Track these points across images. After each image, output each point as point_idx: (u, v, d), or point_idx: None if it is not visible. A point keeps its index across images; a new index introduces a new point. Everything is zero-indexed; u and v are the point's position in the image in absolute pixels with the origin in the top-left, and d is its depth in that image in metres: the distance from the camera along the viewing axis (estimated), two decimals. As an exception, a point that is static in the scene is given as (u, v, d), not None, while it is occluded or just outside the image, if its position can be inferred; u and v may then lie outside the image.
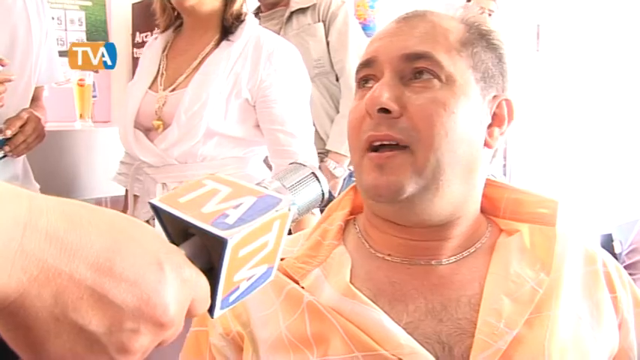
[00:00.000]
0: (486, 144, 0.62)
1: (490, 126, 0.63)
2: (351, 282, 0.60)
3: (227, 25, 1.24)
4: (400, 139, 0.58)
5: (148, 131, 1.26)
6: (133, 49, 2.49)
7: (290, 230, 0.43)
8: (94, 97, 2.43)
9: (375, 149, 0.59)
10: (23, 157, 1.42)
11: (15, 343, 0.29)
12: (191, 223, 0.33)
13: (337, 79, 1.75)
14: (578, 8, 3.31)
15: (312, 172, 0.42)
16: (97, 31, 2.46)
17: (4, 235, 0.26)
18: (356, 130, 0.61)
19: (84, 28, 2.44)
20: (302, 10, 1.76)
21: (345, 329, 0.56)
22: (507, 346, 0.55)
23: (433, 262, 0.62)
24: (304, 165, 0.43)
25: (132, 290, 0.29)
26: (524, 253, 0.62)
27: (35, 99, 1.45)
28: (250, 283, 0.36)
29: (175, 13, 1.30)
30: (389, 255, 0.63)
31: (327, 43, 1.73)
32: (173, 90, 1.24)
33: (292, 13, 1.76)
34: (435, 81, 0.59)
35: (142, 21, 2.41)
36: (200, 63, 1.23)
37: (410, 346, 0.54)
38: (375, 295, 0.59)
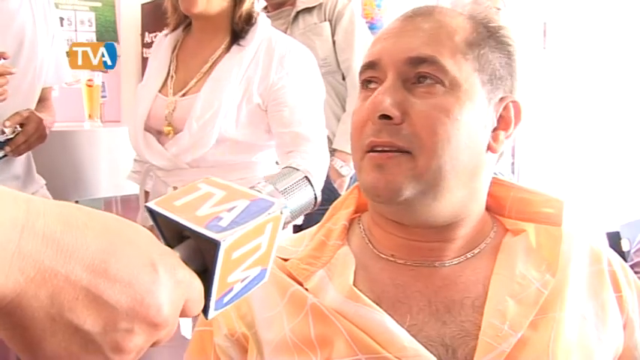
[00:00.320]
0: (490, 148, 0.61)
1: (495, 129, 0.62)
2: (355, 283, 0.60)
3: (237, 30, 1.23)
4: (401, 146, 0.57)
5: (159, 134, 1.27)
6: (142, 49, 2.51)
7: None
8: (104, 97, 2.45)
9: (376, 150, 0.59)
10: (26, 155, 1.43)
11: (12, 342, 0.30)
12: (185, 226, 0.34)
13: (344, 78, 1.75)
14: (584, 5, 3.29)
15: (305, 177, 0.43)
16: (107, 31, 2.48)
17: (2, 237, 0.27)
18: (358, 132, 0.61)
19: (94, 28, 2.46)
20: (308, 10, 1.76)
21: (348, 332, 0.56)
22: (511, 348, 0.54)
23: (437, 264, 0.61)
24: (297, 169, 0.43)
25: (126, 291, 0.30)
26: (529, 253, 0.62)
27: (43, 99, 1.47)
28: (244, 285, 0.37)
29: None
30: (392, 255, 0.63)
31: (334, 42, 1.73)
32: (184, 95, 1.24)
33: (298, 12, 1.76)
34: (439, 86, 0.58)
35: (152, 21, 2.43)
36: (211, 67, 1.23)
37: (414, 348, 0.54)
38: (378, 297, 0.59)
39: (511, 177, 2.81)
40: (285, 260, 0.64)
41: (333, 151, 1.72)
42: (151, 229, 0.36)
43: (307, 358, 0.57)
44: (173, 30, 1.31)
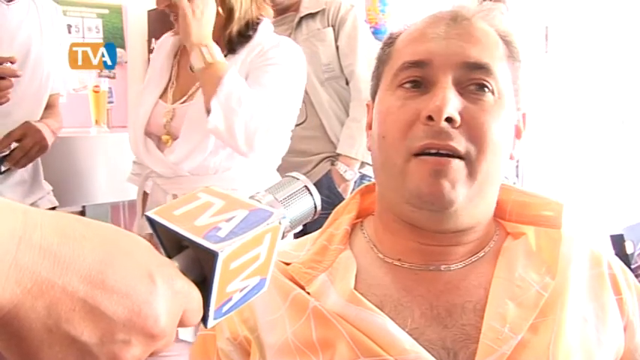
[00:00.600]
0: (510, 156, 0.64)
1: (513, 138, 0.65)
2: (357, 287, 0.60)
3: (233, 43, 1.23)
4: (460, 151, 0.57)
5: (159, 141, 1.26)
6: (149, 55, 2.54)
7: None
8: (111, 102, 2.47)
9: (426, 154, 0.58)
10: (34, 162, 1.45)
11: (9, 352, 0.30)
12: (184, 236, 0.34)
13: (347, 83, 1.75)
14: (586, 9, 3.30)
15: (305, 186, 0.43)
16: (114, 37, 2.51)
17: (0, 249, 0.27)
18: (402, 133, 0.59)
19: (101, 35, 2.48)
20: (311, 15, 1.77)
21: (350, 335, 0.57)
22: (512, 350, 0.55)
23: (442, 267, 0.62)
24: (297, 178, 0.43)
25: (123, 302, 0.30)
26: (529, 256, 0.62)
27: (50, 106, 1.49)
28: (243, 294, 0.37)
29: None
30: (398, 260, 0.63)
31: (337, 48, 1.73)
32: (182, 103, 1.24)
33: (302, 18, 1.76)
34: (489, 94, 0.59)
35: (158, 27, 2.45)
36: None
37: (415, 351, 0.54)
38: (381, 301, 0.59)
39: (515, 180, 2.81)
40: (287, 264, 0.65)
41: (337, 156, 1.73)
42: (149, 237, 0.36)
43: None
44: (176, 34, 1.31)
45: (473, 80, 0.59)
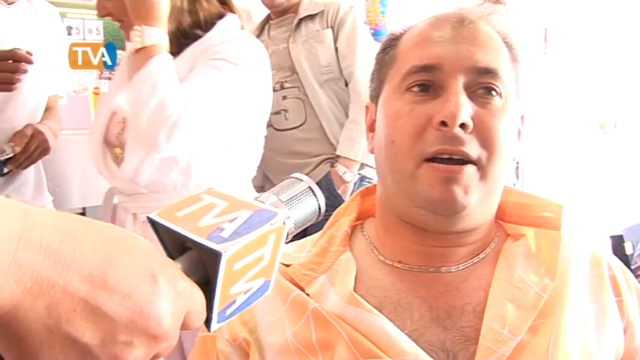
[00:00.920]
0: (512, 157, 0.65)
1: None
2: (357, 289, 0.60)
3: (180, 41, 1.10)
4: (472, 157, 0.58)
5: (115, 153, 1.14)
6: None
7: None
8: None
9: (434, 160, 0.58)
10: (36, 166, 1.45)
11: (8, 353, 0.29)
12: (187, 237, 0.34)
13: (346, 85, 1.75)
14: (585, 11, 3.30)
15: (309, 187, 0.43)
16: (115, 39, 2.50)
17: None
18: (414, 139, 0.59)
19: (102, 37, 2.48)
20: (310, 17, 1.77)
21: (349, 336, 0.57)
22: (511, 352, 0.55)
23: (443, 270, 0.62)
24: (301, 180, 0.43)
25: (125, 302, 0.30)
26: (529, 258, 0.62)
27: (50, 107, 1.49)
28: (247, 297, 0.36)
29: None
30: (399, 262, 0.63)
31: (336, 49, 1.73)
32: None
33: (301, 20, 1.76)
34: (497, 97, 0.60)
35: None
36: None
37: (414, 353, 0.54)
38: (380, 302, 0.60)
39: (515, 182, 2.81)
40: (287, 266, 0.65)
41: (336, 158, 1.73)
42: None
43: None
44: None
45: (482, 84, 0.60)
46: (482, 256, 0.63)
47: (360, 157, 1.69)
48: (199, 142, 1.05)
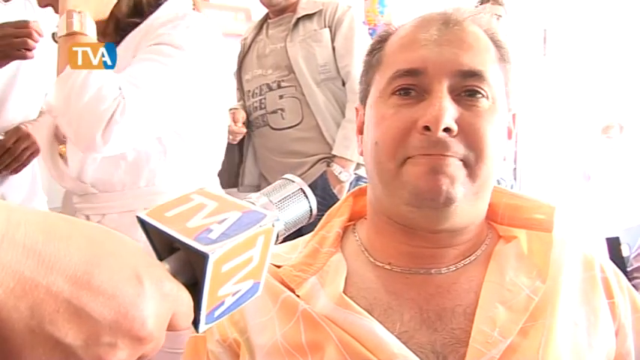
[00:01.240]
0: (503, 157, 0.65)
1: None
2: (347, 290, 0.60)
3: (119, 30, 1.03)
4: (458, 158, 0.58)
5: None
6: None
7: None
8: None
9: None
10: (32, 166, 1.45)
11: None
12: (175, 238, 0.34)
13: (343, 84, 1.75)
14: (584, 12, 3.31)
15: (301, 189, 0.42)
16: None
17: None
18: (397, 142, 0.59)
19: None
20: (308, 17, 1.77)
21: (339, 338, 0.57)
22: (501, 354, 0.55)
23: (433, 271, 0.62)
24: (293, 181, 0.43)
25: (109, 304, 0.29)
26: (521, 260, 0.62)
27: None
28: (236, 299, 0.36)
29: None
30: (389, 264, 0.63)
31: (333, 49, 1.74)
32: None
33: (299, 19, 1.76)
34: (484, 99, 0.60)
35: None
36: None
37: (403, 355, 0.54)
38: (370, 304, 0.60)
39: (513, 183, 2.81)
40: (279, 267, 0.65)
41: (332, 157, 1.73)
42: None
43: None
44: None
45: (467, 87, 0.59)
46: (472, 257, 0.63)
47: (356, 157, 1.69)
48: (143, 136, 0.96)
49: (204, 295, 0.34)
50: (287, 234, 0.42)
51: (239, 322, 0.63)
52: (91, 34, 0.93)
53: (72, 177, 1.02)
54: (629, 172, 3.25)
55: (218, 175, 1.21)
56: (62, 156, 1.04)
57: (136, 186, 1.02)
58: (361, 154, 0.68)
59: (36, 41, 1.19)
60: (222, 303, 0.35)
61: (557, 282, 0.60)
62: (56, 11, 0.99)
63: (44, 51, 1.41)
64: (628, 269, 1.49)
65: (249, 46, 1.87)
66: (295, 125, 1.74)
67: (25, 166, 1.40)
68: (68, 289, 0.28)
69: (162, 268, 0.33)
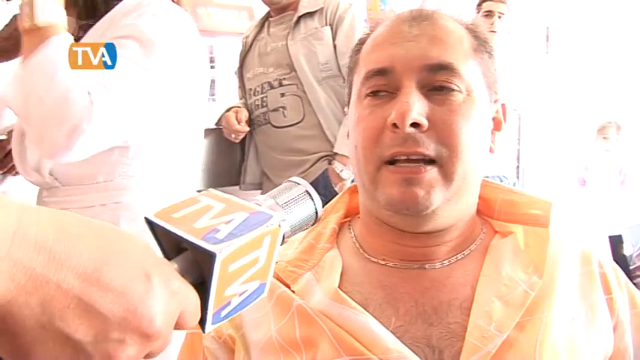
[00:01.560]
0: (490, 150, 0.64)
1: (492, 131, 0.64)
2: (342, 286, 0.60)
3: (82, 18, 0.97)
4: (429, 155, 0.57)
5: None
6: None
7: None
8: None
9: (394, 162, 0.58)
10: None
11: (2, 348, 0.29)
12: (182, 238, 0.34)
13: (344, 82, 1.76)
14: (587, 10, 3.30)
15: (306, 191, 0.43)
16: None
17: None
18: (372, 143, 0.59)
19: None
20: (310, 15, 1.77)
21: (333, 333, 0.57)
22: (497, 349, 0.54)
23: (427, 266, 0.62)
24: (298, 183, 0.43)
25: (119, 300, 0.30)
26: (517, 255, 0.62)
27: None
28: (242, 299, 0.36)
29: None
30: (383, 259, 0.63)
31: (335, 47, 1.74)
32: None
33: (300, 17, 1.76)
34: (457, 92, 0.59)
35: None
36: None
37: (397, 350, 0.54)
38: (366, 299, 0.60)
39: (516, 181, 2.81)
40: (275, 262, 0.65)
41: (334, 155, 1.73)
42: None
43: (293, 359, 0.57)
44: None
45: (437, 82, 0.59)
46: (466, 252, 0.63)
47: (358, 155, 1.69)
48: (111, 142, 0.90)
49: (211, 294, 0.34)
50: (293, 236, 0.43)
51: (234, 318, 0.62)
52: (55, 20, 0.86)
53: (33, 169, 0.99)
54: (631, 170, 3.24)
55: (220, 173, 1.19)
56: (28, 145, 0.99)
57: (94, 181, 0.98)
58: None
59: None
60: (229, 303, 0.36)
61: (554, 277, 0.60)
62: None
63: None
64: (630, 267, 1.49)
65: (251, 45, 1.87)
66: (297, 123, 1.75)
67: None
68: (78, 286, 0.29)
69: (171, 267, 0.34)
